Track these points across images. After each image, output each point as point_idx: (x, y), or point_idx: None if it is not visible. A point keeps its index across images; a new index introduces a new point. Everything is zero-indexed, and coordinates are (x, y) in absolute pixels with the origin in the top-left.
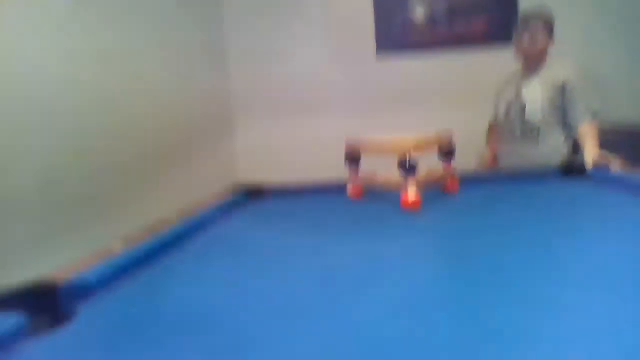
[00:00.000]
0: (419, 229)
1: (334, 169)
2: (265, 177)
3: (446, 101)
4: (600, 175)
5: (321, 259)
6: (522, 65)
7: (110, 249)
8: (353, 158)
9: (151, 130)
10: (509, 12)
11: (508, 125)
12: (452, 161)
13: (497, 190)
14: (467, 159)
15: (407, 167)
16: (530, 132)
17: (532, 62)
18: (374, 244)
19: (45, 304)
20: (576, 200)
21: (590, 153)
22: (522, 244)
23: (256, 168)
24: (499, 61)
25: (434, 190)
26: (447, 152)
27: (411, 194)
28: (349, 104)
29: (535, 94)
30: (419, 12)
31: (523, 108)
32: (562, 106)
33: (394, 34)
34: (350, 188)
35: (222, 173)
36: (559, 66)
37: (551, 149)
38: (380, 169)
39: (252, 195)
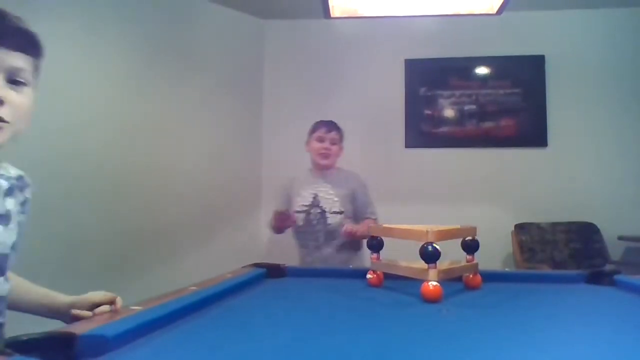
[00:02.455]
0: (436, 320)
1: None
2: (286, 260)
3: (471, 197)
4: (627, 283)
5: (328, 342)
6: (313, 168)
7: (128, 309)
8: (375, 245)
9: (181, 206)
10: (538, 117)
11: (310, 232)
12: (474, 255)
13: (521, 290)
14: (490, 256)
15: (429, 256)
16: (332, 236)
17: (324, 168)
18: (386, 333)
19: (62, 353)
20: (603, 307)
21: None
22: (537, 345)
23: (279, 250)
24: (525, 162)
25: (456, 283)
26: (470, 246)
27: (432, 283)
28: (374, 193)
29: (332, 200)
30: (448, 111)
31: (323, 214)
32: (353, 211)
33: (423, 129)
34: (370, 274)
35: (245, 252)
36: (348, 175)
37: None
38: (403, 257)
39: (271, 273)
